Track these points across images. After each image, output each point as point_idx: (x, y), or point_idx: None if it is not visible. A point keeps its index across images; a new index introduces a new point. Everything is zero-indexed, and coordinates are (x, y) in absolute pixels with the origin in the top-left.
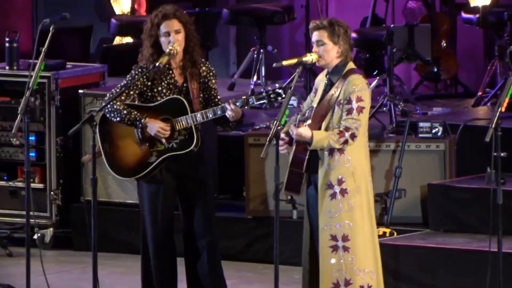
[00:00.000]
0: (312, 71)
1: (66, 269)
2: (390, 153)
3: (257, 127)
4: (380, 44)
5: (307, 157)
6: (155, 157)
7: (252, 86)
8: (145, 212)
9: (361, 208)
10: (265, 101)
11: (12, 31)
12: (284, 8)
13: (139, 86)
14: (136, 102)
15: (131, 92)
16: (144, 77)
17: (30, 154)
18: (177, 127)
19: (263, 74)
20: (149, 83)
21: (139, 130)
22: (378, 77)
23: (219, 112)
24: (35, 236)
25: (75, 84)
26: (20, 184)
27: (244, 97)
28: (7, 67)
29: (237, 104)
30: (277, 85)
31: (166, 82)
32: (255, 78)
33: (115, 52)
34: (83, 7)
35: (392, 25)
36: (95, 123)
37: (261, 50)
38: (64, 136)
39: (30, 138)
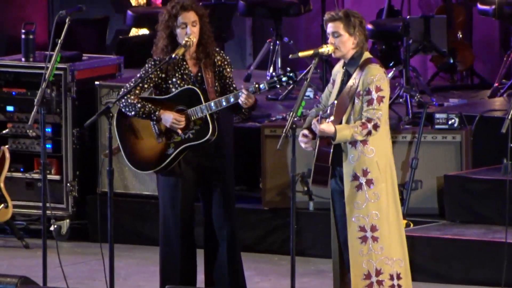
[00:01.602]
0: (328, 62)
1: (82, 260)
2: (406, 144)
3: (274, 118)
4: (396, 35)
5: (331, 150)
6: (172, 149)
7: (268, 78)
8: (165, 205)
9: (387, 197)
10: (276, 85)
11: (28, 22)
12: (300, 0)
13: (154, 79)
14: (153, 95)
15: (146, 86)
16: (158, 69)
17: (47, 145)
18: (193, 117)
19: (279, 65)
20: (163, 75)
21: (155, 122)
22: (394, 69)
23: (232, 100)
24: (52, 228)
25: (91, 76)
26: (36, 176)
27: (256, 83)
28: (23, 59)
29: (250, 90)
30: (288, 68)
31: (180, 73)
32: (271, 69)
33: (131, 44)
34: None
35: (408, 17)
36: (111, 114)
37: (277, 42)
38: (80, 128)
39: (47, 129)
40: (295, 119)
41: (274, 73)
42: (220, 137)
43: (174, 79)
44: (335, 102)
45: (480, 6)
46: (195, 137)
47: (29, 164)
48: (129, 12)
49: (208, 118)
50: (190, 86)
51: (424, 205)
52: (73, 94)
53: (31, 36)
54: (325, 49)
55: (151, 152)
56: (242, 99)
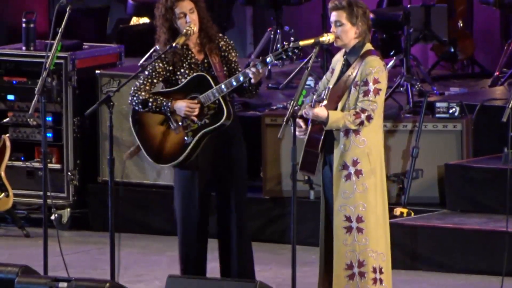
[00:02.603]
0: (329, 51)
1: (83, 249)
2: (407, 133)
3: (274, 107)
4: (397, 24)
5: (322, 137)
6: (191, 137)
7: (269, 66)
8: (181, 195)
9: (375, 190)
10: (283, 56)
11: (29, 11)
12: None
13: (162, 73)
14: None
15: (155, 81)
16: (165, 62)
17: (47, 134)
18: (206, 103)
19: None
20: (170, 68)
21: (169, 114)
22: (395, 58)
23: (241, 78)
24: (52, 217)
25: (92, 65)
26: (37, 165)
27: (261, 57)
28: (23, 48)
29: (257, 66)
30: (292, 38)
31: (187, 63)
32: None
33: (132, 33)
34: None
35: (408, 5)
36: (112, 103)
37: (278, 31)
38: (81, 117)
39: (47, 118)
40: (296, 108)
41: (279, 45)
42: (233, 125)
43: (182, 70)
44: (330, 87)
45: None
46: (211, 121)
47: (29, 153)
48: (130, 1)
49: (222, 101)
50: (199, 73)
51: (425, 194)
52: (73, 83)
53: (31, 25)
54: (326, 38)
55: (171, 144)
56: (251, 75)
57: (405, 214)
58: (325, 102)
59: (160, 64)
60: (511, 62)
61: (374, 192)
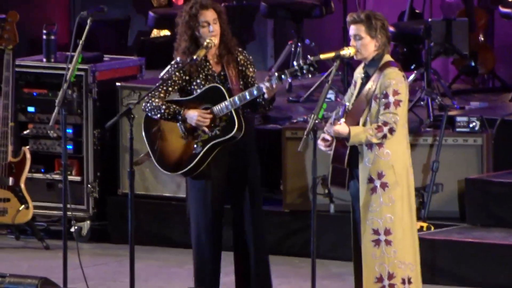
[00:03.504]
0: (349, 64)
1: (102, 262)
2: (427, 147)
3: (295, 120)
4: (418, 38)
5: (347, 152)
6: (200, 147)
7: (289, 80)
8: (195, 207)
9: (402, 201)
10: (298, 73)
11: (50, 23)
12: (322, 2)
13: (178, 81)
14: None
15: (170, 89)
16: (181, 72)
17: (68, 146)
18: (218, 114)
19: None
20: (187, 77)
21: (181, 123)
22: (415, 71)
23: (255, 93)
24: (72, 229)
25: (113, 77)
26: (57, 177)
27: (276, 73)
28: (44, 60)
29: (271, 81)
30: (308, 56)
31: (204, 73)
32: None
33: (153, 45)
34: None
35: (429, 19)
36: (132, 116)
37: (299, 44)
38: (101, 129)
39: (68, 130)
40: (316, 121)
41: (294, 62)
42: (247, 138)
43: (198, 80)
44: (347, 104)
45: (502, 9)
46: (222, 133)
47: (50, 165)
48: (151, 13)
49: (234, 114)
50: (214, 84)
51: (445, 208)
52: (94, 95)
53: (52, 37)
54: (347, 51)
55: (180, 153)
56: (265, 90)
57: (425, 228)
58: (342, 120)
59: (177, 73)
60: None
61: (400, 203)
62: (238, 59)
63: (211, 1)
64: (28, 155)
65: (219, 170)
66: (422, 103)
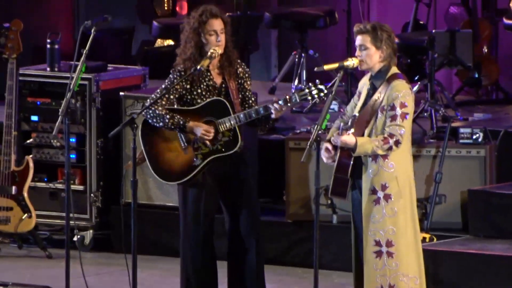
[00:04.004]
0: (353, 75)
1: (105, 271)
2: (430, 158)
3: (298, 131)
4: (422, 49)
5: (351, 163)
6: (200, 160)
7: (293, 90)
8: (187, 216)
9: (405, 213)
10: (308, 97)
11: (54, 32)
12: (326, 12)
13: (179, 90)
14: (175, 106)
15: (171, 97)
16: (183, 80)
17: (71, 155)
18: (221, 129)
19: (304, 78)
20: (188, 86)
21: (183, 133)
22: (419, 83)
23: (262, 112)
24: (75, 238)
25: (116, 86)
26: (60, 186)
27: (288, 96)
28: (48, 69)
29: (280, 102)
30: (317, 80)
31: (205, 84)
32: (296, 82)
33: (157, 55)
34: (124, 9)
35: (433, 31)
36: (135, 125)
37: (303, 54)
38: (105, 138)
39: (71, 139)
40: (320, 132)
41: (303, 85)
42: (244, 147)
43: (199, 90)
44: (357, 114)
45: (506, 20)
46: (224, 148)
47: (53, 174)
48: (155, 23)
49: (237, 130)
50: (218, 98)
51: (448, 219)
52: (97, 104)
53: (56, 46)
54: (351, 62)
55: (178, 163)
56: (273, 111)
57: (427, 240)
58: (352, 130)
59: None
60: None
61: (403, 215)
62: (238, 71)
63: (220, 10)
64: (31, 164)
65: (213, 178)
66: (425, 114)
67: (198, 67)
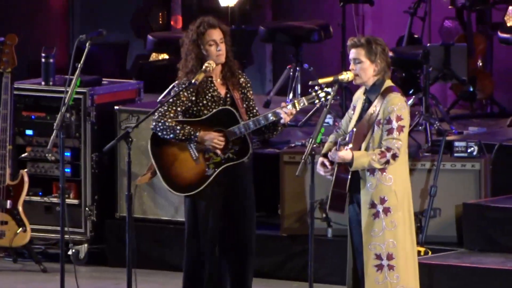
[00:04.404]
0: (348, 89)
1: (100, 285)
2: (425, 172)
3: (293, 145)
4: (416, 63)
5: (349, 177)
6: (212, 170)
7: (288, 101)
8: (193, 227)
9: (404, 225)
10: (315, 100)
11: (48, 46)
12: (321, 26)
13: (185, 101)
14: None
15: (179, 109)
16: (189, 92)
17: (65, 170)
18: (231, 137)
19: (299, 92)
20: (193, 98)
21: (194, 144)
22: (414, 96)
23: (271, 118)
24: (70, 252)
25: (111, 100)
26: (55, 200)
27: (296, 100)
28: (43, 83)
29: (289, 107)
30: (323, 85)
31: (209, 95)
32: (291, 95)
33: (151, 69)
34: (119, 23)
35: (428, 44)
36: (130, 139)
37: (297, 68)
38: (99, 152)
39: (66, 154)
40: (314, 145)
41: (310, 89)
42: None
43: (204, 102)
44: (354, 130)
45: (500, 34)
46: (236, 156)
47: (47, 188)
48: (149, 37)
49: (247, 138)
50: (226, 107)
51: (443, 233)
52: (92, 118)
53: (50, 60)
54: (345, 76)
55: (190, 174)
56: (283, 115)
57: (422, 253)
58: (350, 145)
59: (185, 93)
60: None
61: (403, 227)
62: (240, 81)
63: (218, 21)
64: (26, 178)
65: (219, 189)
66: (420, 128)
67: (193, 81)
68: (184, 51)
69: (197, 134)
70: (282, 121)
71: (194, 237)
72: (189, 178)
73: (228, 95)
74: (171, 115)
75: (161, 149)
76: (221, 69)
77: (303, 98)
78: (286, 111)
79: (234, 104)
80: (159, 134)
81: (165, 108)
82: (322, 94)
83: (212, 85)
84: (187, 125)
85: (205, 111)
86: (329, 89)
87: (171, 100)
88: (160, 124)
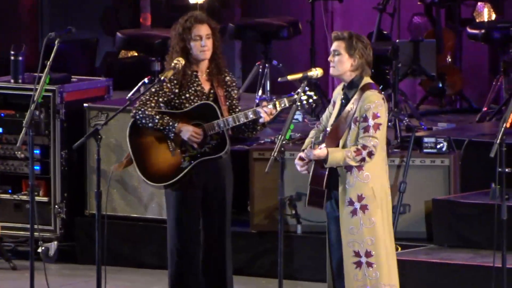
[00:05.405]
0: (317, 86)
1: (70, 282)
2: (395, 168)
3: (262, 141)
4: (385, 59)
5: (326, 173)
6: (187, 162)
7: (257, 101)
8: (172, 221)
9: (382, 223)
10: (297, 103)
11: (17, 44)
12: (290, 23)
13: (168, 93)
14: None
15: (160, 99)
16: (172, 84)
17: (35, 167)
18: (209, 132)
19: (268, 88)
20: (176, 90)
21: (171, 135)
22: (383, 92)
23: (251, 116)
24: (39, 250)
25: (80, 98)
26: (24, 197)
27: (277, 100)
28: (12, 80)
29: (269, 106)
30: (307, 88)
31: (193, 89)
32: (260, 92)
33: (120, 66)
34: (88, 21)
35: (397, 40)
36: (99, 136)
37: (266, 65)
38: (69, 150)
39: (35, 151)
40: (284, 142)
41: (266, 96)
42: (227, 157)
43: (187, 95)
44: (328, 129)
45: (469, 30)
46: (212, 151)
47: (17, 186)
48: (118, 34)
49: (226, 134)
50: (207, 102)
51: (412, 229)
52: (61, 116)
53: (20, 58)
54: (314, 72)
55: (165, 165)
56: (263, 114)
57: None
58: (323, 145)
59: (168, 84)
60: (499, 97)
61: (381, 226)
62: (226, 80)
63: (207, 17)
64: None
65: (196, 184)
66: (389, 124)
67: (162, 78)
68: (171, 45)
69: (175, 125)
70: (261, 120)
71: (175, 229)
72: (164, 169)
73: (212, 91)
74: (152, 104)
75: (139, 138)
76: (207, 65)
77: (285, 98)
78: (266, 111)
79: (217, 101)
80: (138, 122)
81: (147, 97)
82: (304, 97)
83: (197, 79)
84: (167, 116)
85: (187, 105)
86: (312, 93)
87: (153, 89)
88: (140, 112)
